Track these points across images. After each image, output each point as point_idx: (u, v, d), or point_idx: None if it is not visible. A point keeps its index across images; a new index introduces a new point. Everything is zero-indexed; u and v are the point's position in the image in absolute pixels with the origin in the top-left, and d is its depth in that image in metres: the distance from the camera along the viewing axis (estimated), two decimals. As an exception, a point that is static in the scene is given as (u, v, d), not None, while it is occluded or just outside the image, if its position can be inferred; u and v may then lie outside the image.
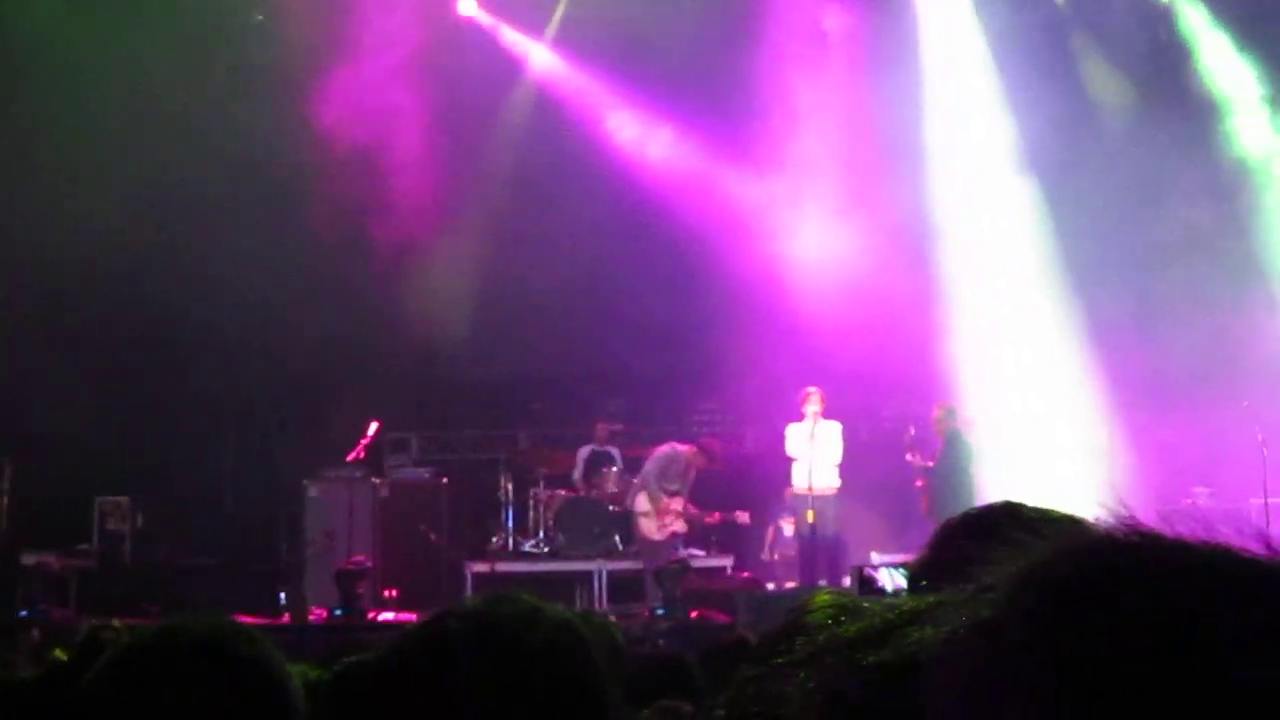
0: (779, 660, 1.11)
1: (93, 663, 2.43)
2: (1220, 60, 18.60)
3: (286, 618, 15.44)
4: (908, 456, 16.40)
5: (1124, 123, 18.48)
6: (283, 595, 16.26)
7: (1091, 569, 1.01)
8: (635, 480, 17.22)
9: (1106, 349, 17.61)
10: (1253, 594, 0.98)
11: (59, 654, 2.45)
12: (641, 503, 16.74)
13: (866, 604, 2.51)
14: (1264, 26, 18.09)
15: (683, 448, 16.97)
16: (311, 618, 15.37)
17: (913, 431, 16.57)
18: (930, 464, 16.25)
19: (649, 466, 16.99)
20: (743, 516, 16.99)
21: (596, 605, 16.35)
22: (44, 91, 16.77)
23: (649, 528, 16.71)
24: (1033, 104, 18.34)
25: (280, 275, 17.15)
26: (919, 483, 16.24)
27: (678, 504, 16.77)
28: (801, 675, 1.10)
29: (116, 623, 2.57)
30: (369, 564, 16.12)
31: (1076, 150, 18.13)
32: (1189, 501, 16.82)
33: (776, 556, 17.40)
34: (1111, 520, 1.06)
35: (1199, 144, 18.29)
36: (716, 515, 16.97)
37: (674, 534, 16.83)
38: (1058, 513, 2.73)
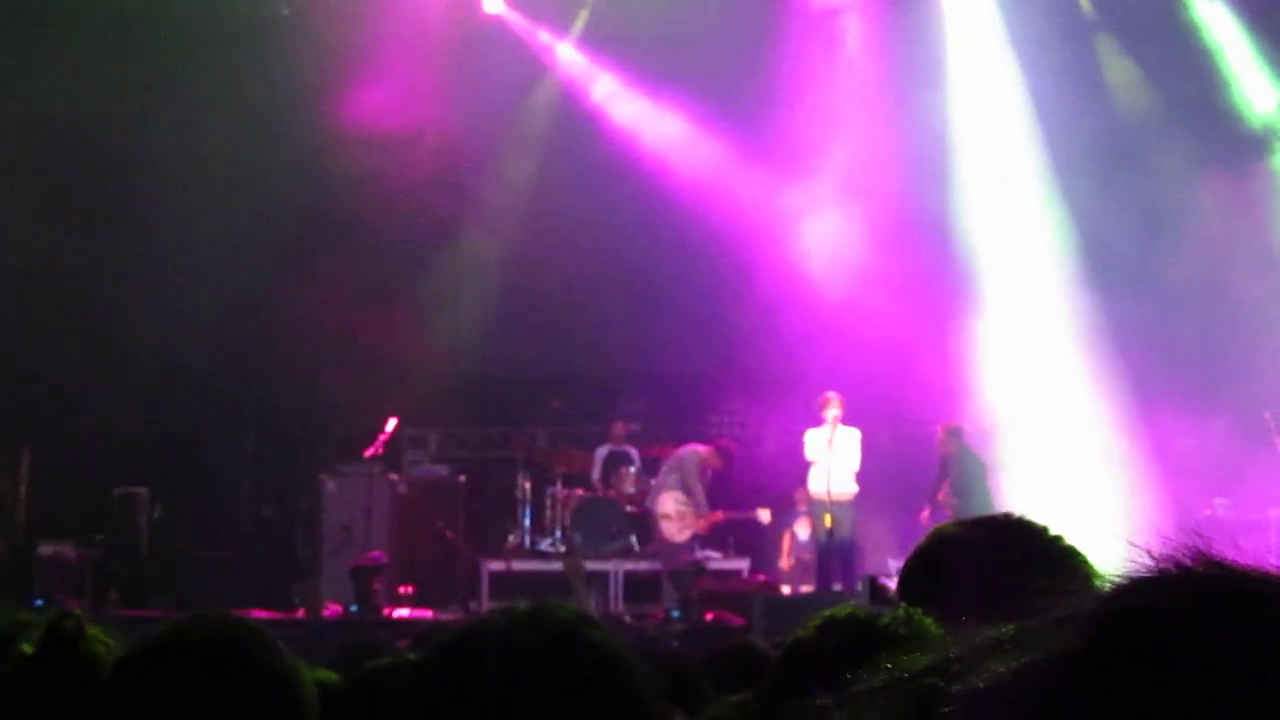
0: (854, 689, 1.11)
1: (56, 654, 2.42)
2: (1246, 68, 18.52)
3: (301, 613, 15.46)
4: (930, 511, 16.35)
5: (1148, 129, 18.44)
6: (297, 591, 16.27)
7: (1182, 601, 1.00)
8: (654, 481, 17.19)
9: (1128, 356, 17.56)
10: None
11: (26, 648, 2.42)
12: (665, 504, 16.70)
13: (888, 622, 2.49)
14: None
15: (702, 449, 16.96)
16: (326, 613, 15.39)
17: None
18: (944, 482, 16.26)
19: (671, 467, 16.97)
20: (764, 515, 16.93)
21: (612, 606, 16.36)
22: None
23: (670, 530, 16.68)
24: (1057, 111, 18.31)
25: (301, 270, 17.21)
26: (926, 513, 16.18)
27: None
28: (879, 703, 1.09)
29: (77, 610, 2.54)
30: (385, 560, 16.14)
31: (1099, 158, 18.08)
32: (1208, 512, 16.78)
33: (794, 561, 17.37)
34: (1178, 548, 1.07)
35: (1223, 151, 18.26)
36: (720, 514, 16.89)
37: (694, 535, 16.82)
38: (1050, 532, 2.73)
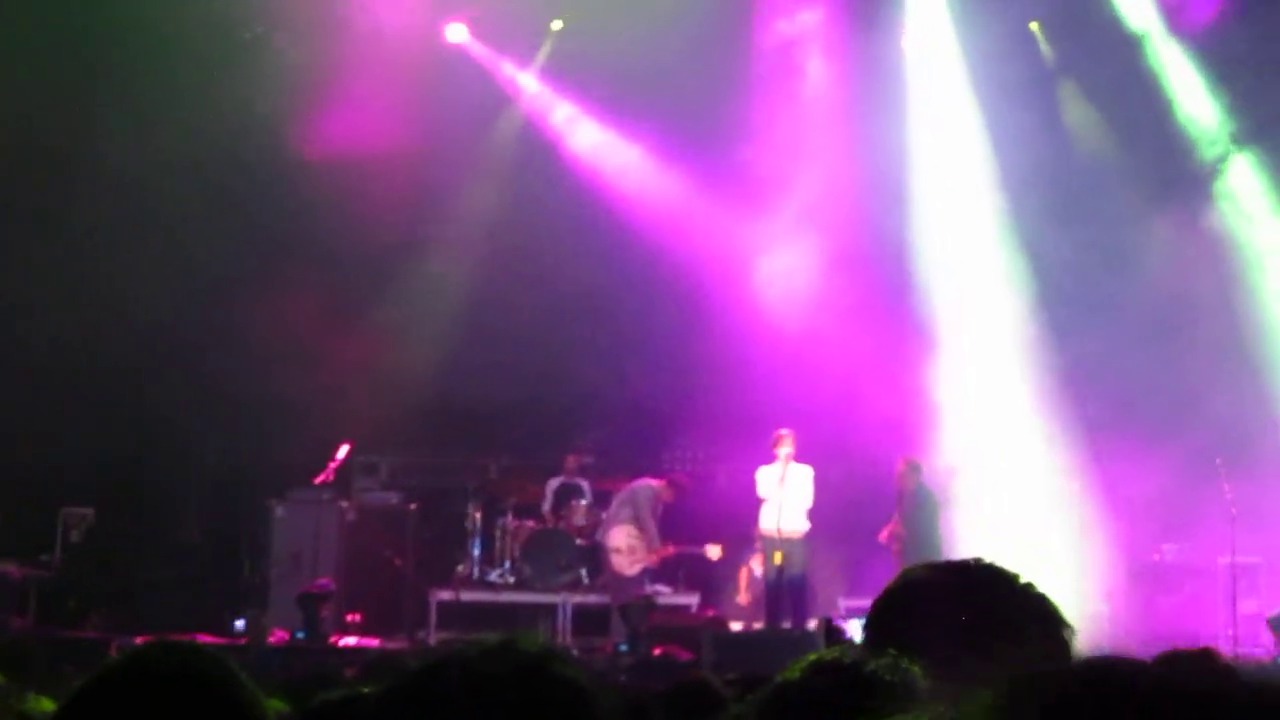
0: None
1: None
2: (1200, 107, 18.71)
3: (245, 639, 15.34)
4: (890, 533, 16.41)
5: (1106, 170, 18.61)
6: (242, 616, 16.14)
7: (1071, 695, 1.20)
8: (606, 515, 17.17)
9: (1081, 396, 17.68)
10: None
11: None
12: (617, 538, 16.68)
13: (876, 667, 2.50)
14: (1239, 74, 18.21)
15: (655, 483, 16.95)
16: (272, 640, 15.28)
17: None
18: (900, 515, 16.28)
19: (623, 500, 16.96)
20: (713, 551, 16.91)
21: (561, 639, 16.29)
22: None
23: (621, 563, 16.67)
24: (1017, 150, 18.45)
25: (257, 292, 17.13)
26: (884, 534, 16.27)
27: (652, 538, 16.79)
28: None
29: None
30: (333, 587, 16.05)
31: (1057, 199, 18.22)
32: (1157, 557, 16.89)
33: (752, 597, 17.31)
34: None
35: (1178, 195, 18.43)
36: (671, 548, 16.89)
37: (644, 569, 16.80)
38: (1020, 580, 2.72)
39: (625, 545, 16.63)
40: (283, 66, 17.40)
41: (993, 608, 2.56)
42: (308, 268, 17.44)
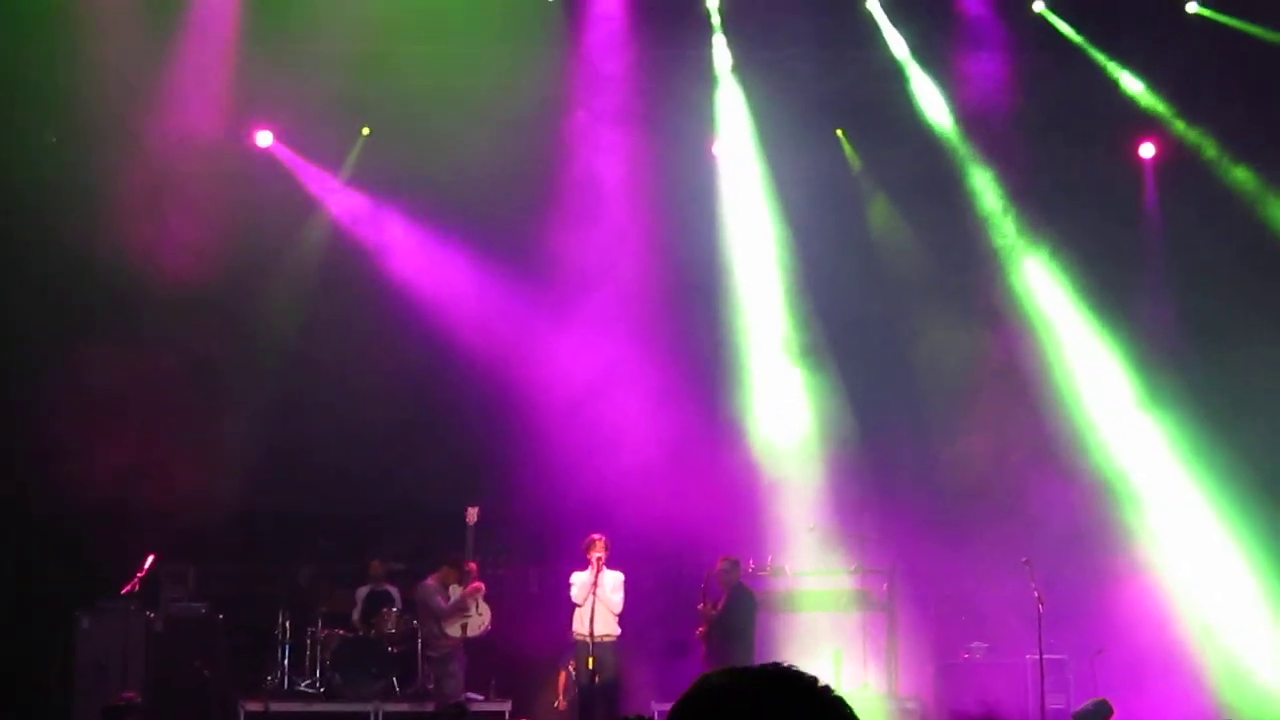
0: None
1: None
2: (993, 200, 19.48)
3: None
4: (699, 606, 16.57)
5: (907, 264, 19.30)
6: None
7: None
8: (419, 627, 17.16)
9: (886, 496, 18.11)
10: None
11: None
12: (451, 628, 16.68)
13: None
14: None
15: (429, 580, 16.95)
16: (77, 755, 14.96)
17: (704, 585, 16.71)
18: (717, 611, 16.42)
19: (419, 616, 17.02)
20: (471, 513, 16.81)
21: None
22: None
23: (475, 627, 16.72)
24: (820, 253, 19.03)
25: (68, 403, 16.93)
26: (700, 630, 16.44)
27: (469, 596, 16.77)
28: None
29: None
30: (139, 700, 15.72)
31: (858, 296, 18.77)
32: (965, 656, 17.28)
33: (569, 701, 17.28)
34: None
35: (971, 283, 19.16)
36: (475, 575, 16.89)
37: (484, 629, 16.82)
38: (820, 683, 2.83)
39: (457, 629, 16.66)
40: (82, 171, 17.31)
41: (791, 713, 2.66)
42: (110, 378, 17.25)
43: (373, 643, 17.45)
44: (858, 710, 2.74)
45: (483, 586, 16.89)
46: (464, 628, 16.68)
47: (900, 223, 19.57)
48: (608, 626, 15.75)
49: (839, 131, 19.69)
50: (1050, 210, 18.92)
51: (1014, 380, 18.71)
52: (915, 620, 17.48)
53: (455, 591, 16.74)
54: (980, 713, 15.28)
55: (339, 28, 17.22)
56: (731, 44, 19.05)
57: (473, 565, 16.81)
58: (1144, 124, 19.08)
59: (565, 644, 16.67)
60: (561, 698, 17.39)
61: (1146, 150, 19.36)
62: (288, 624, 17.75)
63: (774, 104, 18.88)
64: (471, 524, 16.60)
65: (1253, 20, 18.14)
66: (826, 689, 2.75)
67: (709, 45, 19.09)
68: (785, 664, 2.85)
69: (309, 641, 17.69)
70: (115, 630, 16.53)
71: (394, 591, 18.25)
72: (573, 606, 15.87)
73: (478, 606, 16.84)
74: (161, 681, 16.60)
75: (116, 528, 16.99)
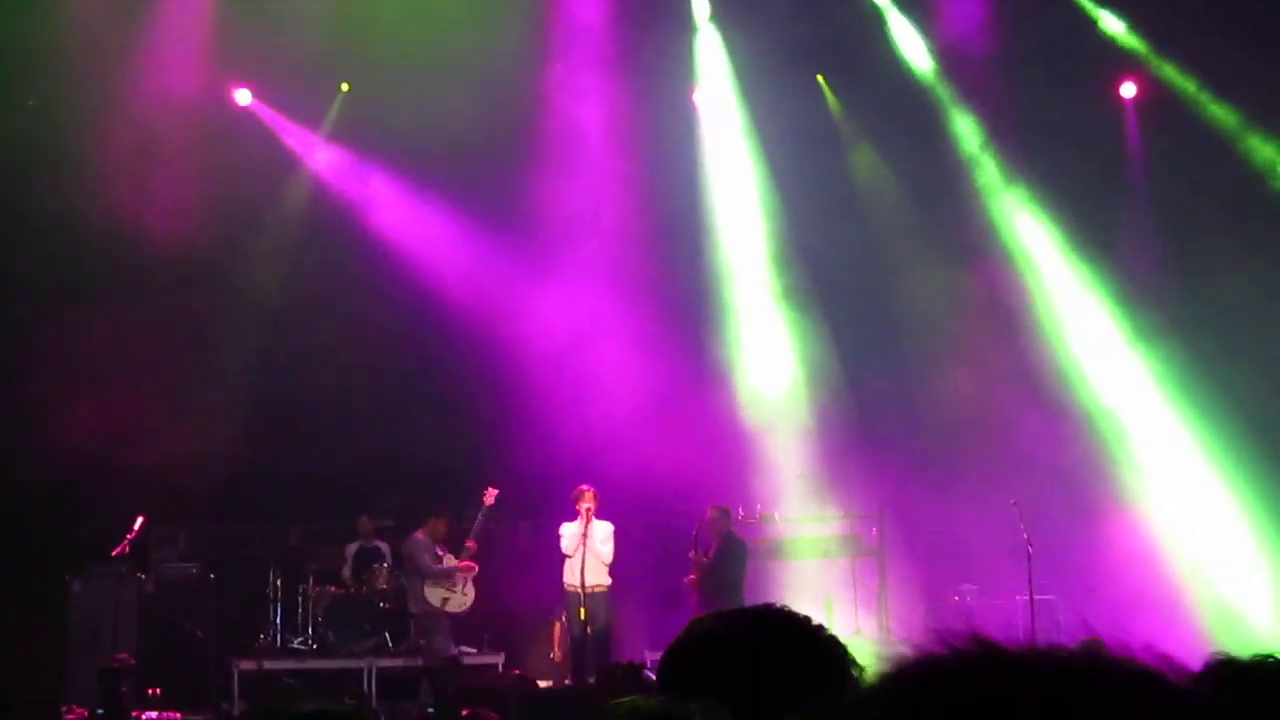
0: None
1: None
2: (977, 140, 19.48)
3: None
4: (691, 554, 16.56)
5: (890, 210, 19.30)
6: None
7: (958, 678, 1.23)
8: (404, 582, 17.15)
9: (872, 439, 18.13)
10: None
11: None
12: (432, 597, 16.65)
13: (675, 709, 2.61)
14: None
15: (418, 534, 16.92)
16: (71, 719, 14.96)
17: (695, 533, 16.69)
18: (708, 560, 16.42)
19: (406, 570, 16.99)
20: (489, 495, 16.81)
21: (368, 703, 16.19)
22: None
23: (456, 604, 16.70)
24: (803, 199, 19.00)
25: (53, 366, 16.88)
26: (690, 577, 16.44)
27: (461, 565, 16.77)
28: None
29: None
30: (132, 662, 15.75)
31: (841, 241, 18.75)
32: (956, 598, 17.33)
33: (564, 652, 17.29)
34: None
35: (953, 222, 19.15)
36: (472, 553, 16.86)
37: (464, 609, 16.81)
38: (813, 622, 2.82)
39: (440, 598, 16.64)
40: (65, 132, 17.21)
41: (786, 651, 2.67)
42: (99, 339, 17.19)
43: (364, 599, 17.48)
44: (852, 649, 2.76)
45: (475, 567, 16.85)
46: (445, 601, 16.65)
47: (882, 165, 19.54)
48: (599, 577, 15.78)
49: (819, 77, 19.60)
50: (1032, 150, 18.89)
51: (998, 318, 18.72)
52: (905, 564, 17.53)
53: (449, 560, 16.69)
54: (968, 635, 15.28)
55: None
56: (710, -10, 19.00)
57: (472, 544, 16.77)
58: (1125, 63, 19.04)
59: (557, 596, 16.70)
60: (556, 649, 17.41)
61: (1127, 89, 19.30)
62: (279, 582, 17.79)
63: (754, 50, 18.81)
64: (488, 505, 16.61)
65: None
66: (820, 628, 2.76)
67: (687, -8, 19.04)
68: (777, 604, 2.86)
69: (301, 599, 17.72)
70: (107, 593, 16.54)
71: (384, 547, 18.25)
72: (563, 558, 15.90)
73: (464, 586, 16.80)
74: (155, 643, 16.60)
75: (104, 491, 16.95)
